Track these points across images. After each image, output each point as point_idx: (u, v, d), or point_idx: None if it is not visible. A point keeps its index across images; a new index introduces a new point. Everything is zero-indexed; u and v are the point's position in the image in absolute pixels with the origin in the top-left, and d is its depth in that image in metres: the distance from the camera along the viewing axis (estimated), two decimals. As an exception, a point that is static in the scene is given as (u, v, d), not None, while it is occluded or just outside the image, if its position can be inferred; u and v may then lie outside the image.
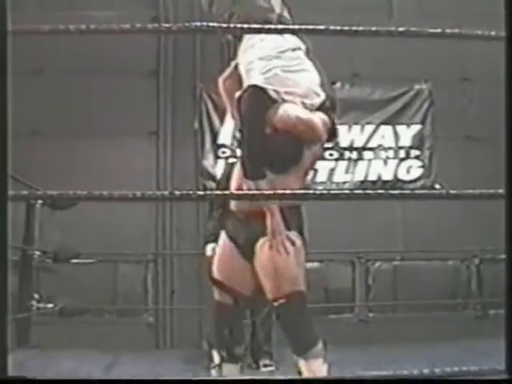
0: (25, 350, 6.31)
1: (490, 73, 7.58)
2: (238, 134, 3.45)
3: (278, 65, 3.36)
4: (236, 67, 3.58)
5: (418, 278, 8.20)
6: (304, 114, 3.28)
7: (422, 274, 8.26)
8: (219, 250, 3.61)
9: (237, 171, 3.49)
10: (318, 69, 3.49)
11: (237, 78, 3.56)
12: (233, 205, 3.53)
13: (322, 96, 3.39)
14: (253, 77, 3.34)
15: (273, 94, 3.26)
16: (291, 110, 3.27)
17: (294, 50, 3.46)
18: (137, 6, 8.37)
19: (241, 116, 3.33)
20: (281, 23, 3.52)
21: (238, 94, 3.36)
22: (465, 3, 7.98)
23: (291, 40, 3.51)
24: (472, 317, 8.28)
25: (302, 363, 3.24)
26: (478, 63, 8.28)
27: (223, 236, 3.59)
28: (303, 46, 3.53)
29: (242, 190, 3.38)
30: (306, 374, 3.20)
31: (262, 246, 3.33)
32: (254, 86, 3.28)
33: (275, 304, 3.30)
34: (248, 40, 3.54)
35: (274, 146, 3.24)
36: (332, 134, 3.45)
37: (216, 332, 3.70)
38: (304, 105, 3.31)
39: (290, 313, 3.28)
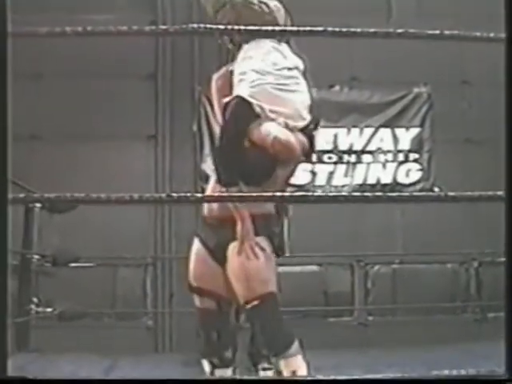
0: (24, 353, 6.29)
1: (490, 75, 7.58)
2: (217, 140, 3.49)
3: (270, 81, 3.38)
4: (231, 72, 3.58)
5: (417, 282, 8.20)
6: (283, 135, 3.31)
7: (421, 277, 8.26)
8: (193, 256, 3.61)
9: (213, 176, 3.51)
10: (310, 90, 3.51)
11: (229, 80, 3.58)
12: (205, 210, 3.55)
13: (307, 119, 3.43)
14: (242, 87, 3.36)
15: (257, 109, 3.29)
16: (272, 128, 3.30)
17: (290, 69, 3.48)
18: (135, 9, 8.37)
19: (223, 122, 3.36)
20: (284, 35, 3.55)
21: (225, 100, 3.38)
22: (465, 4, 7.98)
23: (290, 58, 3.53)
24: (471, 320, 8.28)
25: (281, 363, 3.26)
26: (478, 66, 8.29)
27: (196, 242, 3.60)
28: (301, 66, 3.55)
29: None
30: (286, 373, 3.22)
31: (232, 251, 3.35)
32: (241, 98, 3.31)
33: (248, 307, 3.32)
34: (247, 51, 3.56)
35: (249, 159, 3.28)
36: (309, 154, 3.50)
37: (204, 339, 3.71)
38: (287, 125, 3.34)
39: (264, 314, 3.31)
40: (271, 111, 3.31)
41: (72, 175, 7.60)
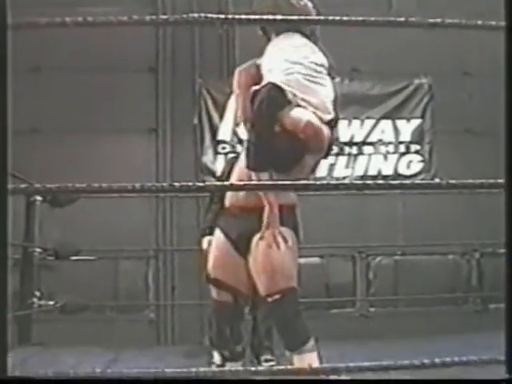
0: (26, 347, 6.31)
1: (490, 67, 7.56)
2: (248, 126, 3.48)
3: (301, 71, 3.40)
4: (258, 66, 3.59)
5: (418, 273, 8.21)
6: (315, 121, 3.32)
7: (423, 268, 8.27)
8: (214, 247, 3.62)
9: (239, 163, 3.52)
10: (335, 88, 3.54)
11: (254, 73, 3.58)
12: (227, 201, 3.55)
13: (332, 114, 3.45)
14: (274, 75, 3.39)
15: (289, 96, 3.31)
16: (304, 113, 3.32)
17: (318, 64, 3.50)
18: (135, 2, 8.36)
19: (253, 109, 3.35)
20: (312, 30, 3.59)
21: (255, 87, 3.38)
22: (465, 2, 7.96)
23: (319, 55, 3.56)
24: (472, 311, 8.29)
25: (296, 358, 3.25)
26: (478, 57, 8.28)
27: (217, 233, 3.61)
28: (327, 64, 3.57)
29: (242, 181, 3.42)
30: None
31: (257, 242, 3.35)
32: (274, 84, 3.32)
33: (269, 300, 3.32)
34: (276, 44, 3.58)
35: (280, 144, 3.28)
36: (330, 149, 3.51)
37: (217, 332, 3.71)
38: (316, 115, 3.35)
39: (284, 309, 3.30)
40: (302, 100, 3.34)
41: (72, 169, 7.59)
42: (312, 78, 3.42)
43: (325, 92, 3.47)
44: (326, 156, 3.55)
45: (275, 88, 3.30)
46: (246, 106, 3.49)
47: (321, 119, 3.36)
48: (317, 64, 3.49)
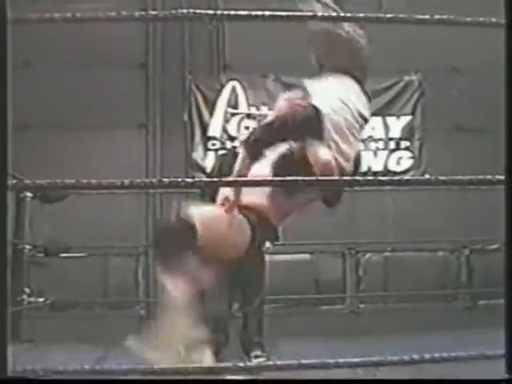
0: (16, 344, 6.29)
1: (481, 64, 7.58)
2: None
3: (346, 116, 3.40)
4: (305, 89, 3.57)
5: (408, 269, 8.22)
6: (332, 165, 3.31)
7: (413, 265, 8.28)
8: None
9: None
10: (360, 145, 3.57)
11: (301, 96, 3.56)
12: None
13: (348, 169, 3.45)
14: (321, 103, 3.36)
15: (324, 131, 3.30)
16: (327, 154, 3.30)
17: (361, 116, 3.49)
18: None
19: (284, 117, 3.34)
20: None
21: (296, 101, 3.37)
22: (455, 1, 7.97)
23: (365, 109, 3.57)
24: (461, 307, 8.31)
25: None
26: (469, 54, 8.28)
27: None
28: (368, 118, 3.59)
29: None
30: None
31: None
32: (316, 108, 3.30)
33: None
34: (331, 80, 3.57)
35: (290, 161, 3.27)
36: (329, 201, 3.49)
37: None
38: (336, 160, 3.34)
39: None
40: (333, 140, 3.32)
41: (63, 164, 7.57)
42: (351, 128, 3.43)
43: (355, 145, 3.49)
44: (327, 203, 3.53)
45: (315, 112, 3.28)
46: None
47: (339, 167, 3.35)
48: (360, 115, 3.49)
